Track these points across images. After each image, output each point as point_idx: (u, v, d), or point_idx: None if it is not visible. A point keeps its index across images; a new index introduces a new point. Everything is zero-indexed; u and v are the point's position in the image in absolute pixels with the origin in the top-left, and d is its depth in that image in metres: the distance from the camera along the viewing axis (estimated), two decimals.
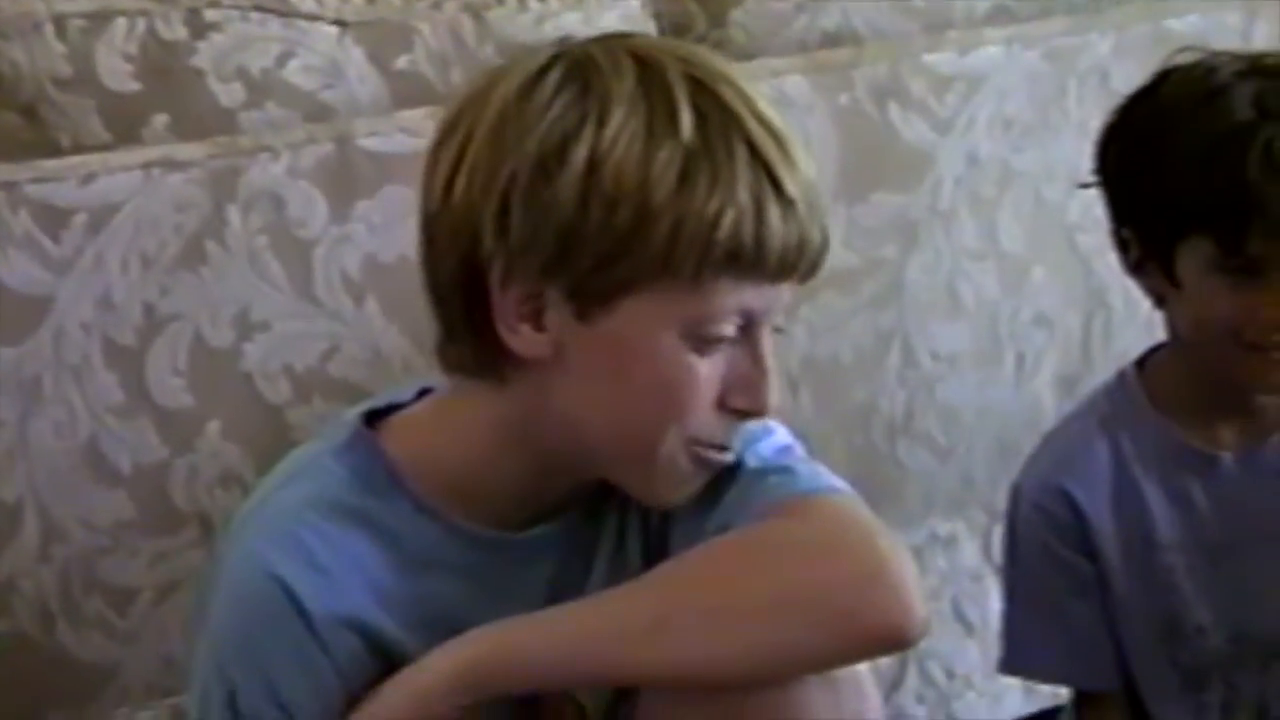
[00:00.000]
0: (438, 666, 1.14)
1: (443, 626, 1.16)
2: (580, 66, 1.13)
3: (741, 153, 1.11)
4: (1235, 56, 1.41)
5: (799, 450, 1.23)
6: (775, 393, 1.16)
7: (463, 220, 1.13)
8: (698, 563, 1.16)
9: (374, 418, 1.22)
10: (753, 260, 1.12)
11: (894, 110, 1.70)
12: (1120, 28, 1.80)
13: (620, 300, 1.12)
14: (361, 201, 1.52)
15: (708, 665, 1.13)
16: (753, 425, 1.21)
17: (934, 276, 1.74)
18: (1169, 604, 1.45)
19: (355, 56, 1.57)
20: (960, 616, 1.81)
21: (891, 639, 1.14)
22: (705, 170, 1.10)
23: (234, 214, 1.49)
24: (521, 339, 1.14)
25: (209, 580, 1.21)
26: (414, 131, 1.50)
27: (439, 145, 1.16)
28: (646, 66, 1.13)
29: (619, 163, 1.10)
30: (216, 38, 1.52)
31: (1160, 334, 1.49)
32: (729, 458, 1.18)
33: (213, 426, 1.50)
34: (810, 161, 1.15)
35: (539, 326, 1.13)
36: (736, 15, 1.70)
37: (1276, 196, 1.34)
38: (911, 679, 1.80)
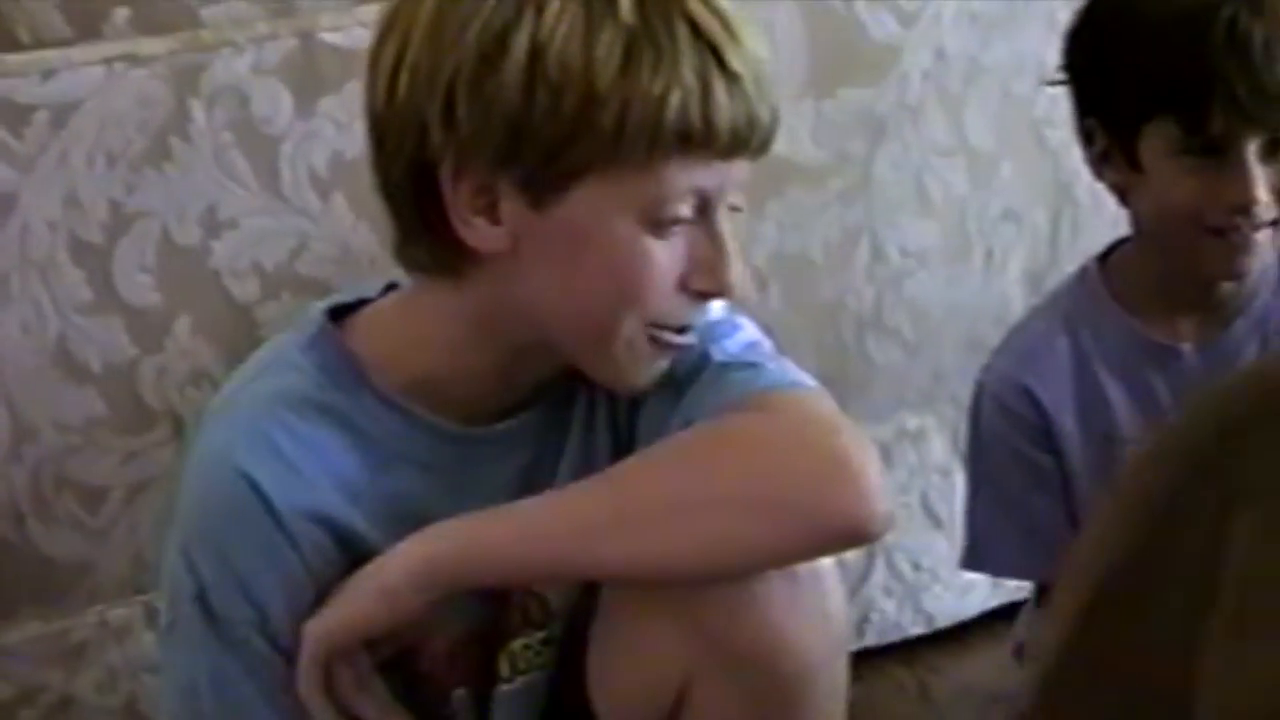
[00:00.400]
0: (402, 561, 1.14)
1: (411, 522, 1.17)
2: None
3: (683, 31, 1.10)
4: None
5: (766, 346, 1.23)
6: (736, 271, 1.15)
7: (410, 118, 1.12)
8: (658, 458, 1.16)
9: (340, 312, 1.22)
10: (703, 139, 1.11)
11: (860, 4, 1.69)
12: None
13: (573, 187, 1.11)
14: (326, 97, 1.51)
15: (666, 560, 1.14)
16: (719, 320, 1.21)
17: (902, 172, 1.73)
18: None
19: None
20: (929, 511, 1.83)
21: (852, 533, 1.14)
22: (648, 51, 1.09)
23: (198, 110, 1.48)
24: (477, 233, 1.13)
25: (180, 476, 1.21)
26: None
27: (379, 44, 1.15)
28: None
29: (561, 48, 1.09)
30: None
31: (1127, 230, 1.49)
32: (689, 339, 1.18)
33: (182, 324, 1.50)
34: (759, 39, 1.14)
35: (494, 219, 1.13)
36: None
37: (1238, 73, 1.34)
38: (879, 572, 1.81)
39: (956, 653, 1.84)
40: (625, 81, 1.09)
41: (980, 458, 1.49)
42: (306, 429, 1.17)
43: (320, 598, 1.16)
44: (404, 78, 1.12)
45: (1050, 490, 1.46)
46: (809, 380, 1.20)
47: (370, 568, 1.15)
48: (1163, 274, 1.44)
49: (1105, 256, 1.49)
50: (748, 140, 1.13)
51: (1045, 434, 1.45)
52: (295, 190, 1.51)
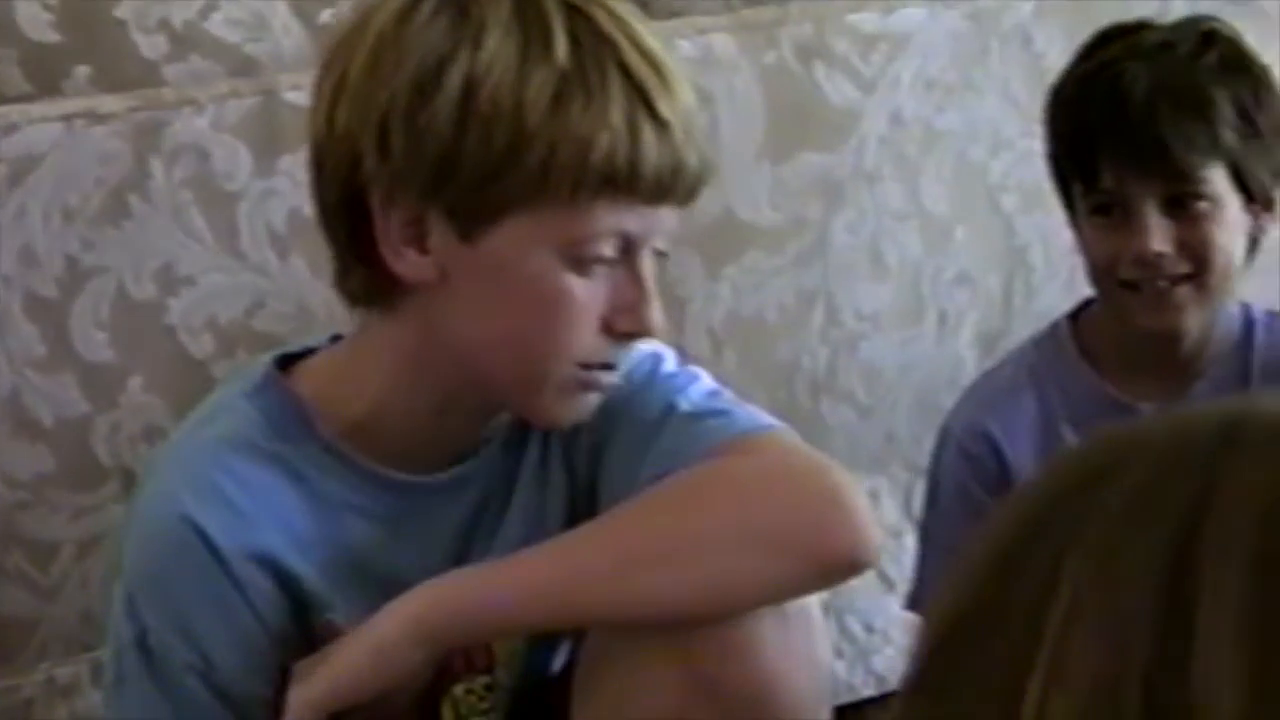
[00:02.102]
0: (395, 620, 1.14)
1: (358, 570, 1.17)
2: None
3: (615, 76, 1.12)
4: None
5: (728, 394, 1.24)
6: (658, 314, 1.16)
7: (345, 146, 1.13)
8: (652, 502, 1.16)
9: (288, 362, 1.22)
10: (627, 183, 1.12)
11: (819, 69, 1.70)
12: None
13: (499, 221, 1.13)
14: (286, 156, 1.51)
15: (670, 602, 1.14)
16: (677, 372, 1.22)
17: (858, 236, 1.75)
18: None
19: (280, 10, 1.56)
20: (880, 572, 1.83)
21: (850, 563, 1.16)
22: (579, 93, 1.11)
23: (157, 167, 1.48)
24: (406, 262, 1.14)
25: (123, 526, 1.20)
26: None
27: (323, 72, 1.16)
28: None
29: (494, 86, 1.11)
30: None
31: (1080, 291, 1.50)
32: (615, 378, 1.18)
33: (135, 381, 1.49)
34: (689, 90, 1.16)
35: (423, 249, 1.14)
36: None
37: (1115, 128, 1.38)
38: (831, 634, 1.81)
39: None
40: (554, 121, 1.11)
41: (935, 501, 1.50)
42: (252, 474, 1.17)
43: (272, 641, 1.16)
44: (342, 107, 1.14)
45: None
46: (781, 424, 1.21)
47: (362, 628, 1.14)
48: (1122, 334, 1.46)
49: (1076, 315, 1.51)
50: (673, 187, 1.14)
51: (1003, 482, 1.46)
52: (253, 247, 1.51)
